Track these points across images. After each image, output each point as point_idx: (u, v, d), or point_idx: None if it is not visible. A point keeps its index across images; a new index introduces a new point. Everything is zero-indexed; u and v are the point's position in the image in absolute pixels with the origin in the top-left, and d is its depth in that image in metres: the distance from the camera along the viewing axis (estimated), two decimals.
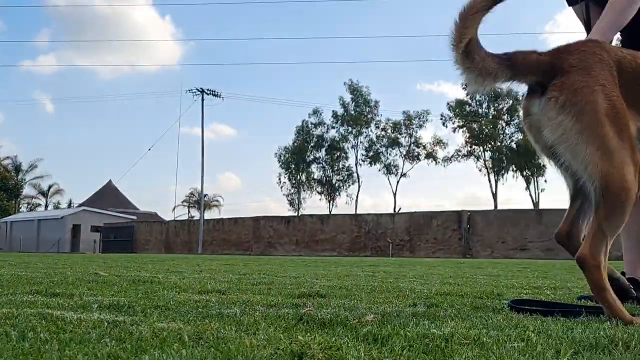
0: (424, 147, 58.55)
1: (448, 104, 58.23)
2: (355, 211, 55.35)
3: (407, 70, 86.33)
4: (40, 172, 75.14)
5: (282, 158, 61.49)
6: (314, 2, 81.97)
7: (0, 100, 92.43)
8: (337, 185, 60.57)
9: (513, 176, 55.00)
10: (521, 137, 54.94)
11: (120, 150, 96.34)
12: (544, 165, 54.09)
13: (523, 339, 1.80)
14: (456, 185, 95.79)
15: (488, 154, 55.73)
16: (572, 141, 2.30)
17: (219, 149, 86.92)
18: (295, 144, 60.98)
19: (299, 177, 61.30)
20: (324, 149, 60.80)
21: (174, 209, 65.67)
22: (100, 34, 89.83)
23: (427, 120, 58.81)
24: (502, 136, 55.88)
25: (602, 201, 2.28)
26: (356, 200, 59.55)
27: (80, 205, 66.79)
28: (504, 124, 56.12)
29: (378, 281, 5.21)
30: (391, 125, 59.23)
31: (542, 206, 49.88)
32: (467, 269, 9.63)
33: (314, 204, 75.35)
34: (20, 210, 75.96)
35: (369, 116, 59.48)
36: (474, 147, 56.16)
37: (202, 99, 48.34)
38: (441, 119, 57.51)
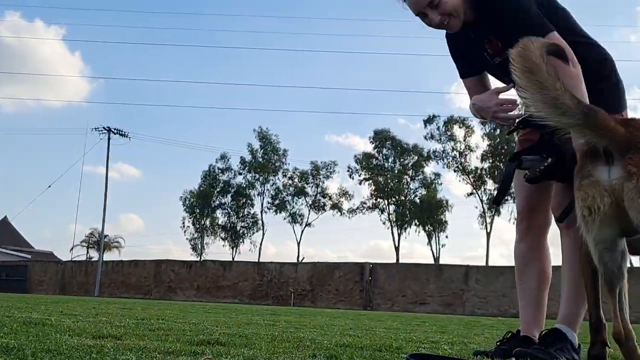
0: (330, 198, 59.08)
1: (355, 156, 59.17)
2: (259, 259, 55.01)
3: (317, 121, 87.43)
4: None
5: (187, 202, 60.74)
6: (227, 48, 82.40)
7: None
8: (241, 231, 60.17)
9: (415, 230, 56.07)
10: (424, 192, 56.28)
11: (20, 186, 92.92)
12: (445, 221, 55.55)
13: None
14: (360, 237, 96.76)
15: (392, 208, 56.68)
16: None
17: (122, 189, 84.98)
18: (201, 189, 60.43)
19: (203, 221, 60.60)
20: (230, 194, 60.46)
21: (72, 249, 63.50)
22: (4, 65, 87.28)
23: (334, 171, 59.52)
24: (406, 191, 57.06)
25: None
26: (260, 248, 59.28)
27: None
28: (408, 179, 57.39)
29: (279, 330, 5.17)
30: (298, 174, 59.61)
31: (442, 261, 51.04)
32: (367, 321, 9.69)
33: (217, 249, 74.56)
34: None
35: (276, 164, 59.71)
36: (378, 200, 57.06)
37: (109, 138, 47.45)
38: (348, 170, 58.36)
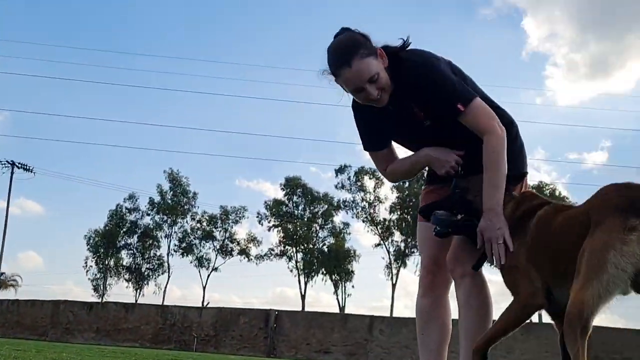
0: (238, 243, 58.63)
1: (265, 202, 59.07)
2: (163, 302, 53.81)
3: (228, 165, 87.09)
4: None
5: (91, 241, 59.01)
6: (141, 88, 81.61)
7: None
8: (146, 273, 58.84)
9: (322, 279, 56.06)
10: (333, 241, 56.60)
11: None
12: (352, 271, 55.89)
13: None
14: (267, 284, 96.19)
15: (300, 255, 56.68)
16: None
17: (23, 225, 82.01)
18: (107, 228, 58.91)
19: (107, 262, 59.02)
20: (137, 235, 59.19)
21: None
22: None
23: (243, 216, 59.10)
24: (315, 239, 57.21)
25: None
26: (164, 291, 58.06)
27: None
28: (318, 227, 57.61)
29: None
30: (207, 218, 58.98)
31: (347, 311, 51.17)
32: None
33: (121, 291, 72.58)
34: None
35: (185, 207, 58.94)
36: (287, 247, 56.96)
37: (12, 172, 46.00)
38: (257, 216, 58.11)
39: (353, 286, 56.30)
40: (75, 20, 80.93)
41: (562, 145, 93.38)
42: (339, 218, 58.15)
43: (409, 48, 3.35)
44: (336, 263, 54.65)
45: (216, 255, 58.38)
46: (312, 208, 57.81)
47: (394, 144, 3.59)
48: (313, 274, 56.08)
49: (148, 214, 59.30)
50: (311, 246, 56.68)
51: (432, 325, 3.53)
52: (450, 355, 3.51)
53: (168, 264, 58.65)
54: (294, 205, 58.01)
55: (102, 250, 58.74)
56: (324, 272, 55.61)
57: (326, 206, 57.44)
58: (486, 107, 3.22)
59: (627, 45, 77.11)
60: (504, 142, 3.18)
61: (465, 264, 3.31)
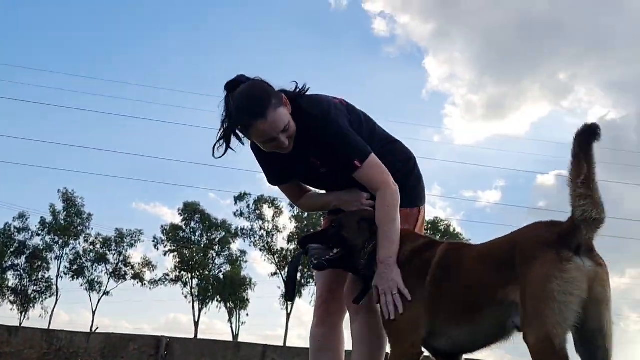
0: (132, 267, 57.24)
1: (162, 227, 57.93)
2: (49, 326, 51.81)
3: (126, 187, 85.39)
4: None
5: None
6: (36, 104, 79.05)
7: None
8: (32, 296, 56.56)
9: (217, 306, 55.37)
10: (229, 268, 56.09)
11: None
12: (247, 299, 55.47)
13: None
14: (159, 310, 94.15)
15: (195, 282, 55.87)
16: None
17: None
18: None
19: None
20: (25, 256, 56.88)
21: None
22: None
23: (139, 240, 57.74)
24: (211, 266, 56.55)
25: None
26: (51, 315, 55.97)
27: None
28: (214, 254, 57.00)
29: None
30: (101, 240, 57.36)
31: (241, 339, 50.62)
32: None
33: (5, 313, 69.23)
34: None
35: (79, 228, 57.16)
36: (182, 273, 56.04)
37: None
38: (153, 241, 56.91)
39: (248, 314, 55.89)
40: None
41: (458, 183, 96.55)
42: (236, 246, 57.66)
43: (307, 94, 3.41)
44: (231, 291, 54.11)
45: (108, 279, 56.80)
46: (209, 234, 57.15)
47: None
48: (208, 301, 55.33)
49: (38, 234, 57.14)
50: (207, 273, 55.97)
51: (324, 356, 3.56)
52: None
53: (57, 287, 56.60)
54: (191, 230, 57.21)
55: None
56: (219, 299, 54.95)
57: (224, 233, 56.94)
58: (380, 164, 3.30)
59: (523, 90, 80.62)
60: (398, 196, 3.26)
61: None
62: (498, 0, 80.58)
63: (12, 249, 56.80)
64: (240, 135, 3.35)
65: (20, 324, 52.02)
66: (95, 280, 56.37)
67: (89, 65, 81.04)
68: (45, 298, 56.72)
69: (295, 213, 54.25)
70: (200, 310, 55.24)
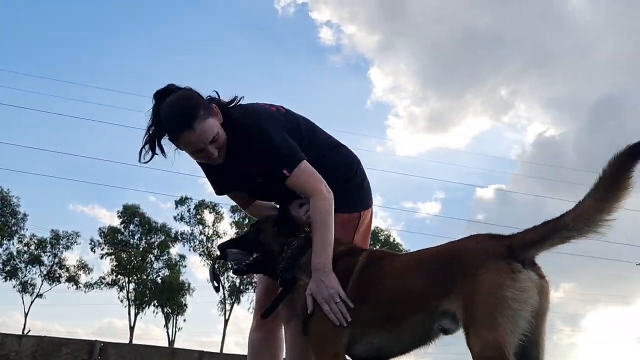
0: (67, 270, 56.07)
1: (100, 229, 56.90)
2: None
3: (63, 187, 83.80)
4: None
5: None
6: None
7: None
8: None
9: (153, 311, 54.66)
10: (168, 273, 55.47)
11: None
12: (185, 304, 54.93)
13: None
14: (94, 313, 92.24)
15: (132, 286, 55.06)
16: None
17: None
18: None
19: None
20: None
21: None
22: None
23: (75, 242, 56.57)
24: (149, 270, 55.83)
25: None
26: None
27: None
28: (153, 258, 56.30)
29: None
30: (36, 241, 56.06)
31: (177, 345, 50.11)
32: None
33: None
34: None
35: (13, 228, 55.76)
36: (119, 276, 55.17)
37: None
38: (90, 243, 55.85)
39: (185, 320, 55.36)
40: None
41: (399, 194, 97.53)
42: (175, 250, 57.10)
43: (240, 104, 3.43)
44: (169, 295, 53.53)
45: (42, 281, 55.51)
46: (148, 238, 56.42)
47: None
48: (144, 306, 54.59)
49: None
50: (144, 277, 55.24)
51: (262, 359, 3.57)
52: None
53: None
54: (130, 234, 56.35)
55: None
56: (156, 304, 54.30)
57: (163, 237, 56.31)
58: (312, 171, 3.30)
59: (465, 104, 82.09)
60: (332, 202, 3.27)
61: (292, 307, 3.37)
62: (443, 14, 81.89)
63: None
64: (164, 146, 3.34)
65: None
66: (29, 281, 55.15)
67: (24, 63, 79.35)
68: None
69: (236, 219, 54.07)
70: (136, 315, 54.44)
